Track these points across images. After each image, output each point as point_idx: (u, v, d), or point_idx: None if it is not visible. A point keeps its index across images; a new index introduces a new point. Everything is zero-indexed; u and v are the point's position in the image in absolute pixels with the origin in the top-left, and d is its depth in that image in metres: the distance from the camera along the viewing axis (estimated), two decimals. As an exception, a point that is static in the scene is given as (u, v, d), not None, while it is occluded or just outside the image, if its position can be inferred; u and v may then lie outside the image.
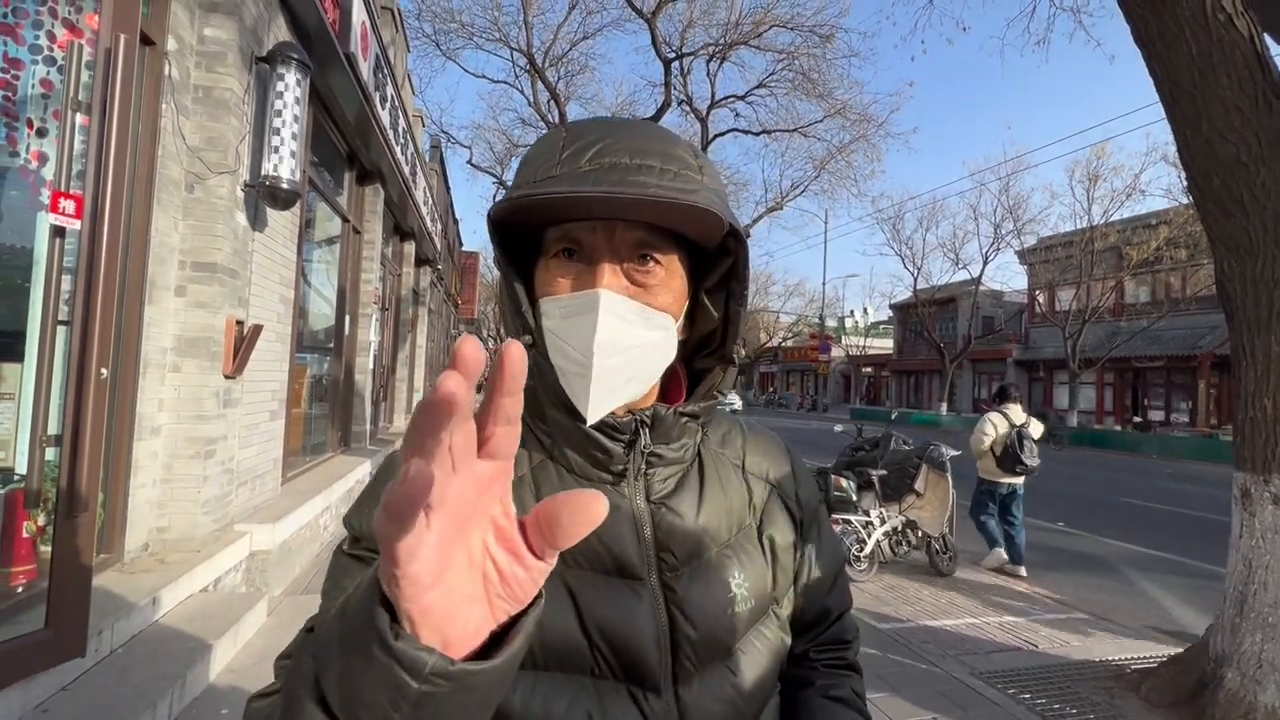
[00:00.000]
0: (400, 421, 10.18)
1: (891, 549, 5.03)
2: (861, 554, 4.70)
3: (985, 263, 25.06)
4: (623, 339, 0.55)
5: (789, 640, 0.69)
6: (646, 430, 0.60)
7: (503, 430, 0.28)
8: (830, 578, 0.74)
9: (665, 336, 0.59)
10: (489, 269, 31.27)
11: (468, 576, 0.30)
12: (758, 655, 0.63)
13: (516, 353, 0.26)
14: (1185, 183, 3.12)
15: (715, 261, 0.63)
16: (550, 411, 0.60)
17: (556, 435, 0.61)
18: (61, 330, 2.04)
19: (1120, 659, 3.57)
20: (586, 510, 0.28)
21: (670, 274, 0.59)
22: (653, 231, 0.57)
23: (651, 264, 0.57)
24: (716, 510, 0.65)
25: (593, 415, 0.55)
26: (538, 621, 0.34)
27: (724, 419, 0.74)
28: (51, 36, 2.34)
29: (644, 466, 0.61)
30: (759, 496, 0.70)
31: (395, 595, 0.28)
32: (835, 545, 0.77)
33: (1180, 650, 3.26)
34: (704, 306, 0.64)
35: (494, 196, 28.15)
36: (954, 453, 5.04)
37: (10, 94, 2.22)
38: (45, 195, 2.25)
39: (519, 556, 0.31)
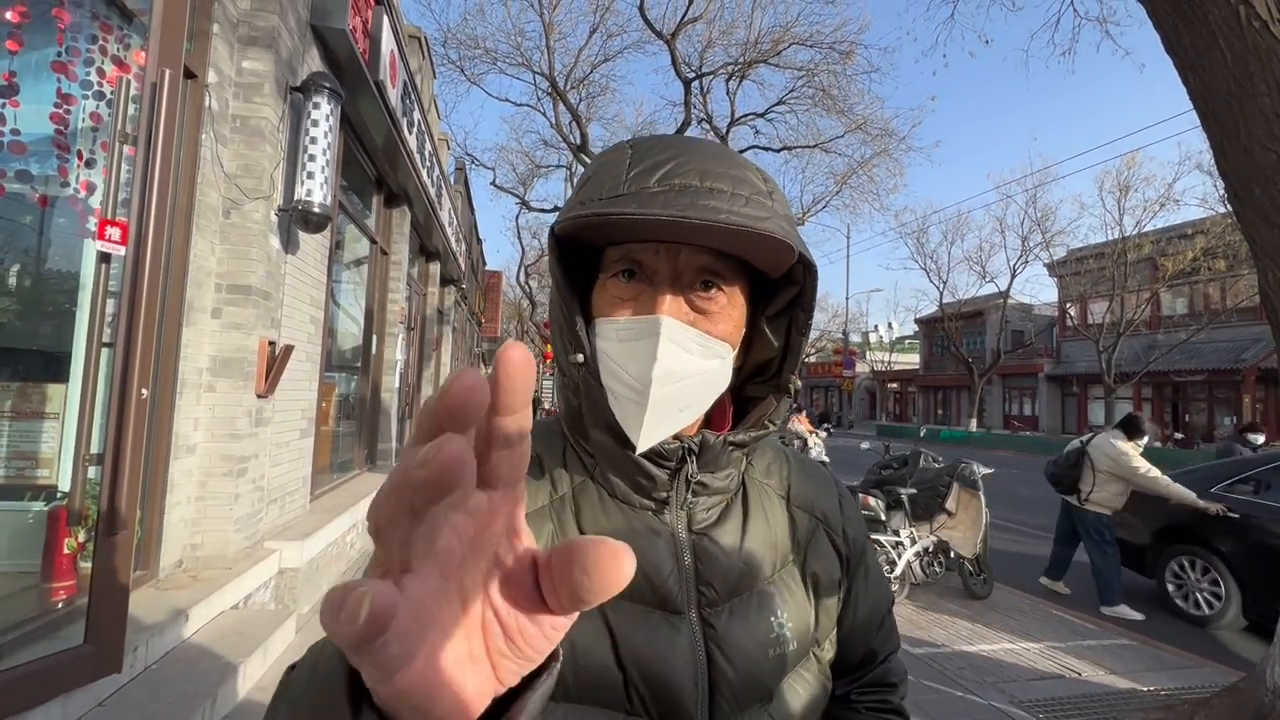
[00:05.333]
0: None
1: (923, 570, 4.90)
2: (892, 575, 4.58)
3: (1013, 276, 24.60)
4: (681, 367, 0.53)
5: (830, 685, 0.65)
6: (693, 459, 0.58)
7: (505, 454, 0.23)
8: (878, 619, 0.71)
9: (722, 365, 0.57)
10: (511, 288, 31.67)
11: (461, 633, 0.24)
12: (798, 700, 0.60)
13: (518, 357, 0.22)
14: (1222, 192, 3.03)
15: (777, 288, 0.60)
16: (595, 433, 0.58)
17: (600, 457, 0.59)
18: (105, 352, 2.11)
19: (1170, 688, 3.40)
20: (607, 569, 0.23)
21: (731, 302, 0.57)
22: (718, 258, 0.55)
23: (714, 291, 0.55)
24: (760, 543, 0.62)
25: (644, 444, 0.53)
26: (547, 696, 0.28)
27: (769, 447, 0.71)
28: (101, 73, 2.46)
29: (688, 495, 0.59)
30: (803, 530, 0.66)
31: (362, 673, 0.22)
32: (883, 585, 0.73)
33: (1235, 680, 3.09)
34: (762, 334, 0.61)
35: (516, 217, 28.62)
36: (986, 470, 4.90)
37: (63, 127, 2.34)
38: (92, 223, 2.34)
39: (527, 609, 0.25)
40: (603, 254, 0.58)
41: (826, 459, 4.98)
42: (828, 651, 0.65)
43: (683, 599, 0.56)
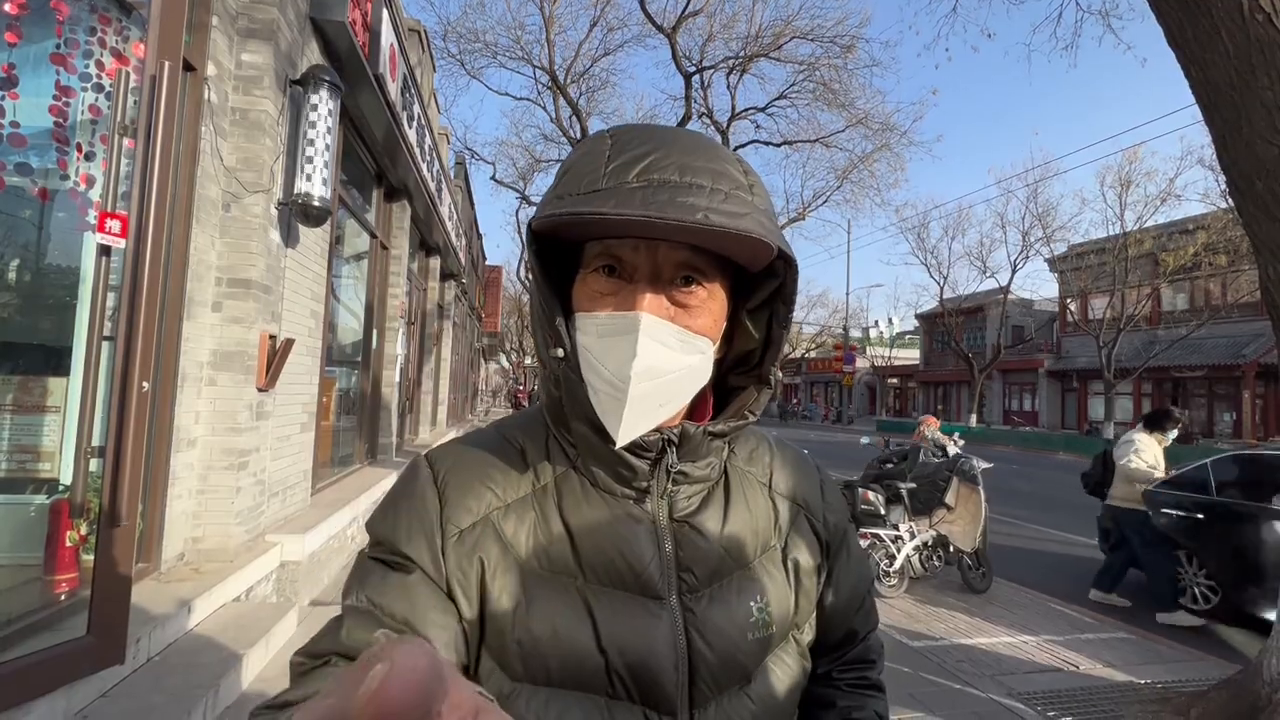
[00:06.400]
0: (425, 434, 10.29)
1: (922, 564, 4.91)
2: (891, 569, 4.59)
3: (1014, 271, 24.64)
4: (661, 364, 0.53)
5: (809, 667, 0.67)
6: (674, 449, 0.58)
7: None
8: (858, 600, 0.72)
9: (702, 360, 0.57)
10: (512, 283, 31.64)
11: None
12: (777, 682, 0.61)
13: (395, 693, 0.18)
14: (1224, 186, 3.02)
15: (759, 281, 0.61)
16: (576, 425, 0.59)
17: (581, 448, 0.60)
18: (105, 345, 2.11)
19: (1167, 681, 3.42)
20: None
21: (712, 296, 0.57)
22: (697, 253, 0.55)
23: (694, 286, 0.56)
24: (741, 530, 0.63)
25: (623, 439, 0.54)
26: None
27: (751, 435, 0.71)
28: (100, 65, 2.45)
29: (669, 484, 0.60)
30: (784, 517, 0.67)
31: None
32: (863, 567, 0.75)
33: (1232, 673, 3.11)
34: (743, 326, 0.62)
35: (516, 212, 28.61)
36: (985, 465, 4.91)
37: (62, 120, 2.33)
38: (92, 216, 2.34)
39: None
40: (583, 248, 0.58)
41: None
42: (807, 635, 0.67)
43: (663, 585, 0.57)
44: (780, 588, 0.63)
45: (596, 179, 0.51)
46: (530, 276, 0.59)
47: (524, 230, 0.57)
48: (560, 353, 0.56)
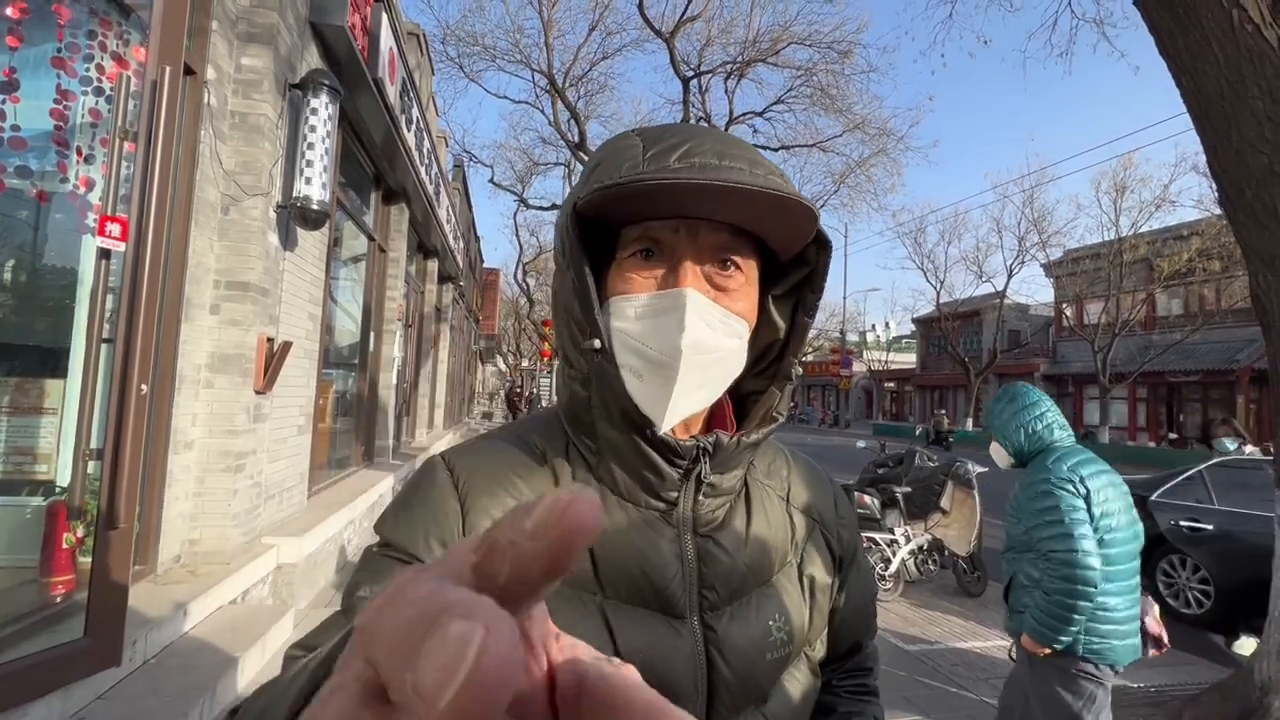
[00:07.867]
0: (422, 436, 10.27)
1: (917, 568, 4.93)
2: (886, 573, 4.61)
3: (1009, 276, 24.71)
4: (706, 341, 0.52)
5: (819, 683, 0.66)
6: (708, 458, 0.56)
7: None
8: (864, 612, 0.73)
9: (739, 345, 0.56)
10: (509, 286, 31.63)
11: None
12: (790, 699, 0.60)
13: (589, 514, 0.16)
14: (1216, 193, 3.04)
15: (785, 270, 0.60)
16: (602, 427, 0.56)
17: (606, 453, 0.57)
18: (104, 347, 2.12)
19: (1160, 684, 3.44)
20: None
21: (749, 281, 0.56)
22: (736, 236, 0.54)
23: (732, 269, 0.55)
24: (761, 546, 0.61)
25: (668, 421, 0.52)
26: None
27: (769, 447, 0.70)
28: (100, 69, 2.46)
29: (698, 496, 0.57)
30: (801, 532, 0.66)
31: None
32: (869, 579, 0.75)
33: (1224, 677, 3.13)
34: (768, 316, 0.60)
35: (514, 215, 28.62)
36: (980, 469, 4.93)
37: (62, 123, 2.34)
38: (92, 219, 2.35)
39: None
40: (619, 237, 0.56)
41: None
42: (818, 651, 0.66)
43: (685, 603, 0.56)
44: (796, 605, 0.62)
45: (637, 165, 0.50)
46: (567, 265, 0.55)
47: (544, 233, 0.56)
48: (597, 343, 0.53)
